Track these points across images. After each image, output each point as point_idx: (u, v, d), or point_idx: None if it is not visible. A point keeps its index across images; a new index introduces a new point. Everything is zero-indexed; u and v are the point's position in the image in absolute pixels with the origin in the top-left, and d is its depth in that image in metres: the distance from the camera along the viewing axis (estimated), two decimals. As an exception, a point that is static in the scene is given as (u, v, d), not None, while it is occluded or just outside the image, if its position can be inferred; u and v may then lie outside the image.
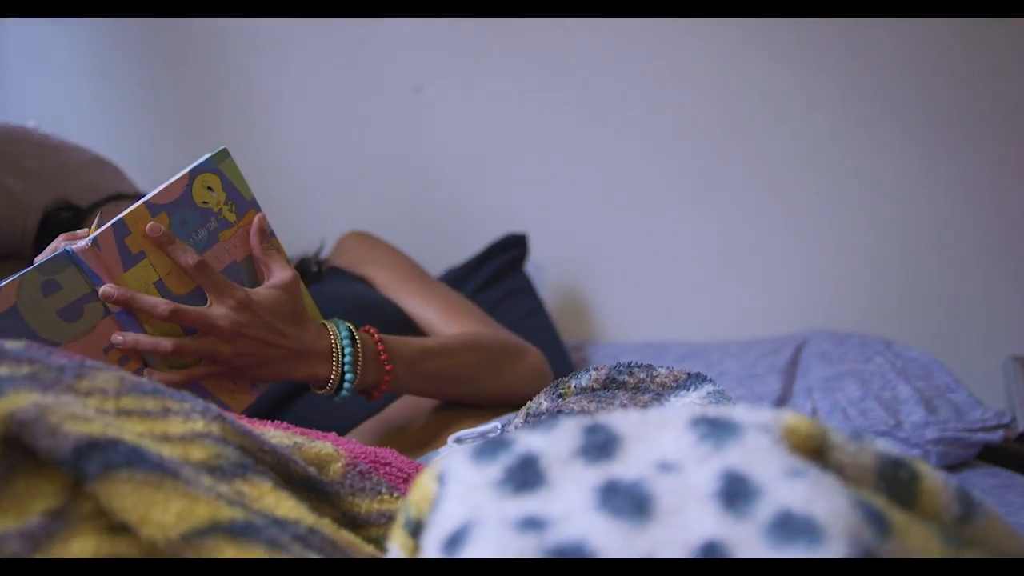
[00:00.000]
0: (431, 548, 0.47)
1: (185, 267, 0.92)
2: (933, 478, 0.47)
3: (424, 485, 0.51)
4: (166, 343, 0.90)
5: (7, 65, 2.01)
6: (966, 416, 1.41)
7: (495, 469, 0.49)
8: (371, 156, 2.01)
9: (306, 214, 1.90)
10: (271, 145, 2.02)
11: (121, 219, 0.90)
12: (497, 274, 1.72)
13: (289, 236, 1.54)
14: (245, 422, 0.65)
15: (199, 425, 0.58)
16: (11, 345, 0.58)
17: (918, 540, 0.44)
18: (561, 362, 1.55)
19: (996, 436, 1.38)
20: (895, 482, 0.47)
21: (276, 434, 0.69)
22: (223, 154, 0.98)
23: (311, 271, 1.47)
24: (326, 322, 1.03)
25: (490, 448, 0.50)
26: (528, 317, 1.66)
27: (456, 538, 0.46)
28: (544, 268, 1.92)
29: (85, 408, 0.53)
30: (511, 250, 1.76)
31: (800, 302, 1.91)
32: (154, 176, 1.85)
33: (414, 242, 1.59)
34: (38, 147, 1.61)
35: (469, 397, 1.16)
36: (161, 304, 0.90)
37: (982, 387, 1.64)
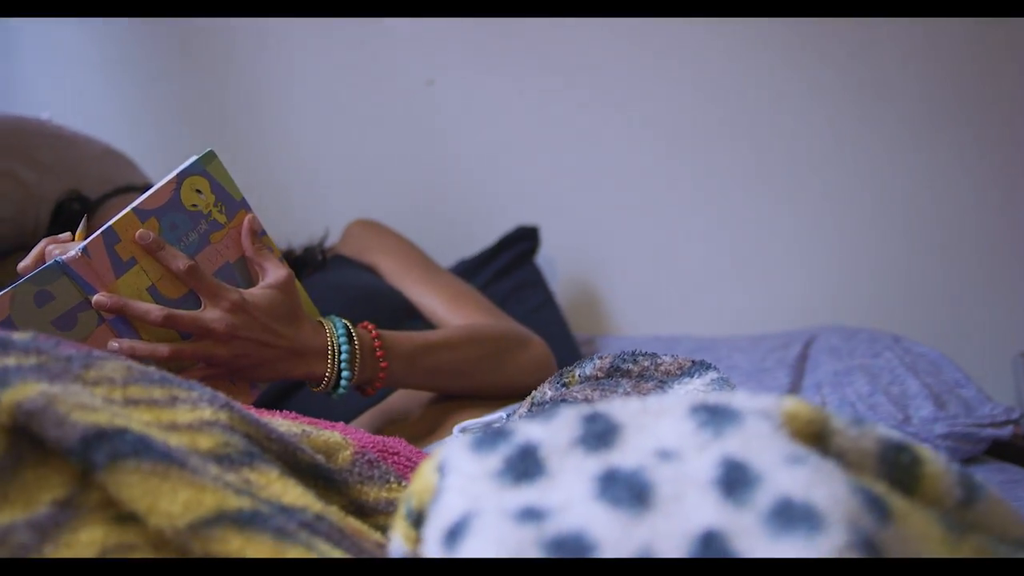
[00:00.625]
0: (432, 540, 0.47)
1: (176, 272, 0.92)
2: (935, 462, 0.47)
3: (424, 476, 0.51)
4: (163, 348, 0.90)
5: (21, 58, 2.02)
6: (975, 411, 1.41)
7: (495, 459, 0.49)
8: (383, 150, 2.01)
9: (317, 208, 1.91)
10: (282, 139, 2.02)
11: (110, 226, 0.89)
12: (508, 266, 1.72)
13: (299, 230, 1.55)
14: (252, 411, 0.65)
15: (206, 413, 0.58)
16: (18, 336, 0.58)
17: (918, 526, 0.44)
18: (571, 355, 1.55)
19: (1005, 432, 1.38)
20: (897, 466, 0.47)
21: (284, 423, 0.69)
22: (210, 156, 0.97)
23: (315, 259, 1.47)
24: (322, 320, 1.03)
25: (490, 439, 0.50)
26: (538, 310, 1.66)
27: (456, 530, 0.46)
28: (555, 261, 1.93)
29: (93, 398, 0.53)
30: (522, 242, 1.76)
31: (809, 297, 1.90)
32: (165, 168, 1.85)
33: (425, 234, 1.59)
34: (51, 139, 1.62)
35: (470, 390, 1.15)
36: (154, 310, 0.89)
37: (991, 383, 1.64)
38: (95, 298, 0.88)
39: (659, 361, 0.86)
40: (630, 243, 1.95)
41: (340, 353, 1.00)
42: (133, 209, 0.91)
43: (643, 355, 0.87)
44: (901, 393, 1.45)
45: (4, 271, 1.47)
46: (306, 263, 1.44)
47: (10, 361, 0.54)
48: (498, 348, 1.18)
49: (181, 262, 0.91)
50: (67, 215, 1.44)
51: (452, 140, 1.99)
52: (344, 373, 1.00)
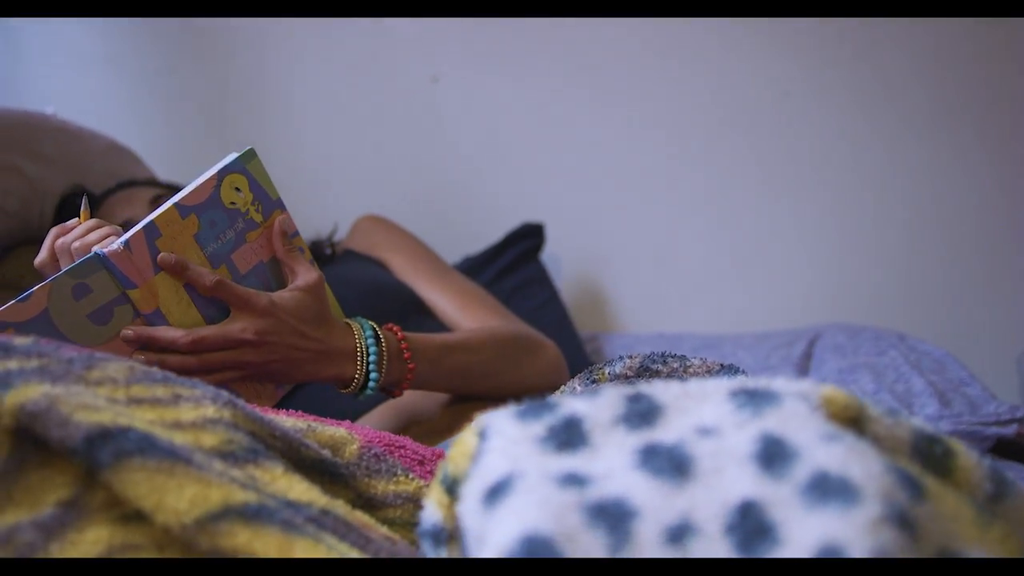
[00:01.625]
0: (471, 499, 0.48)
1: (204, 290, 0.92)
2: (967, 456, 0.48)
3: (465, 441, 0.52)
4: (192, 360, 0.91)
5: (26, 53, 2.02)
6: (980, 410, 1.40)
7: (539, 427, 0.50)
8: (388, 147, 2.01)
9: (322, 205, 1.91)
10: (287, 134, 2.02)
11: (152, 221, 0.89)
12: (513, 263, 1.73)
13: (305, 227, 1.54)
14: (256, 409, 0.65)
15: (210, 411, 0.58)
16: (19, 341, 0.58)
17: (951, 506, 0.45)
18: (575, 353, 1.55)
19: (1010, 430, 1.37)
20: (930, 457, 0.48)
21: (288, 420, 0.70)
22: (250, 154, 0.97)
23: (324, 253, 1.48)
24: (350, 321, 1.03)
25: (534, 408, 0.52)
26: (543, 307, 1.66)
27: (497, 489, 0.47)
28: (560, 259, 1.93)
29: (96, 398, 0.53)
30: (527, 240, 1.76)
31: (814, 295, 1.90)
32: (171, 163, 1.85)
33: (431, 231, 1.60)
34: (55, 132, 1.62)
35: (487, 391, 1.16)
36: (181, 338, 0.90)
37: (996, 381, 1.63)
38: (121, 333, 0.88)
39: (688, 363, 0.86)
40: (634, 241, 1.95)
41: (369, 355, 1.01)
42: (175, 204, 0.91)
43: (672, 357, 0.88)
44: (906, 391, 1.45)
45: (10, 265, 1.47)
46: (313, 257, 1.45)
47: (12, 364, 0.54)
48: (516, 350, 1.20)
49: (207, 279, 0.91)
50: (71, 209, 1.44)
51: (457, 137, 1.99)
52: (372, 375, 1.01)
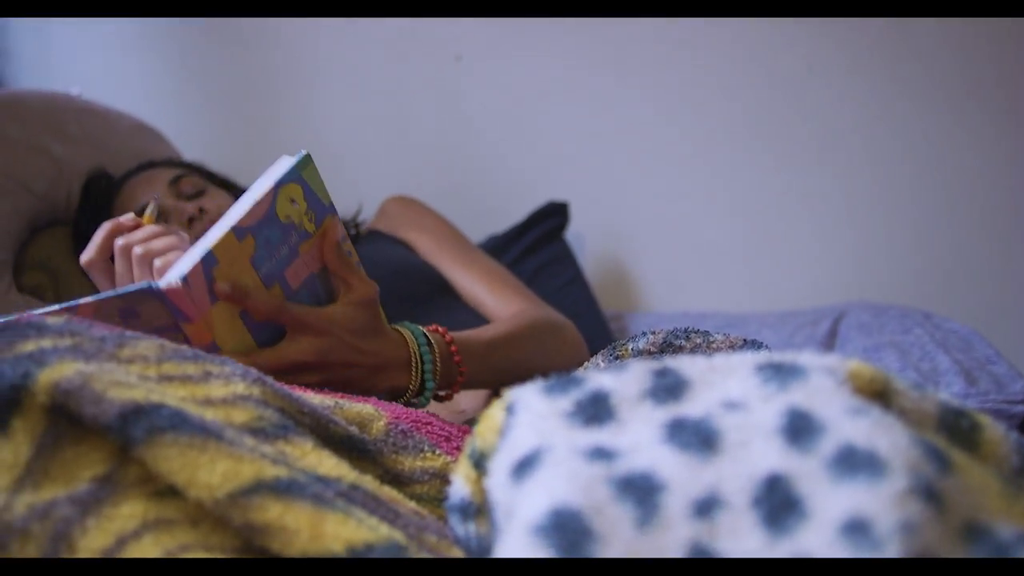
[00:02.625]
0: (499, 473, 0.48)
1: (262, 316, 0.88)
2: (993, 429, 0.48)
3: (492, 416, 0.53)
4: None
5: (52, 34, 2.03)
6: (1006, 388, 1.39)
7: (566, 402, 0.50)
8: (412, 126, 2.01)
9: (346, 184, 1.90)
10: (310, 113, 2.03)
11: (211, 252, 0.83)
12: (537, 242, 1.73)
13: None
14: (284, 386, 0.65)
15: (240, 388, 0.59)
16: (52, 320, 0.59)
17: (978, 479, 0.45)
18: (600, 332, 1.55)
19: (1037, 409, 1.37)
20: (956, 430, 0.48)
21: (316, 397, 0.70)
22: (306, 160, 0.91)
23: (349, 234, 1.47)
24: (400, 328, 0.99)
25: (561, 384, 0.52)
26: (568, 286, 1.66)
27: (526, 463, 0.47)
28: (584, 237, 1.92)
29: (128, 375, 0.54)
30: (552, 218, 1.76)
31: (839, 274, 1.89)
32: (196, 143, 1.86)
33: (456, 210, 1.60)
34: (80, 112, 1.62)
35: (520, 380, 1.14)
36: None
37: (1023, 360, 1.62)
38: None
39: (712, 339, 0.86)
40: (659, 220, 1.95)
41: (424, 363, 0.98)
42: (232, 228, 0.85)
43: (696, 332, 0.87)
44: (931, 369, 1.44)
45: (39, 246, 1.48)
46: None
47: (46, 343, 0.55)
48: (547, 334, 1.19)
49: (266, 306, 0.88)
50: (97, 191, 1.44)
51: (481, 116, 1.99)
52: (428, 383, 0.98)
